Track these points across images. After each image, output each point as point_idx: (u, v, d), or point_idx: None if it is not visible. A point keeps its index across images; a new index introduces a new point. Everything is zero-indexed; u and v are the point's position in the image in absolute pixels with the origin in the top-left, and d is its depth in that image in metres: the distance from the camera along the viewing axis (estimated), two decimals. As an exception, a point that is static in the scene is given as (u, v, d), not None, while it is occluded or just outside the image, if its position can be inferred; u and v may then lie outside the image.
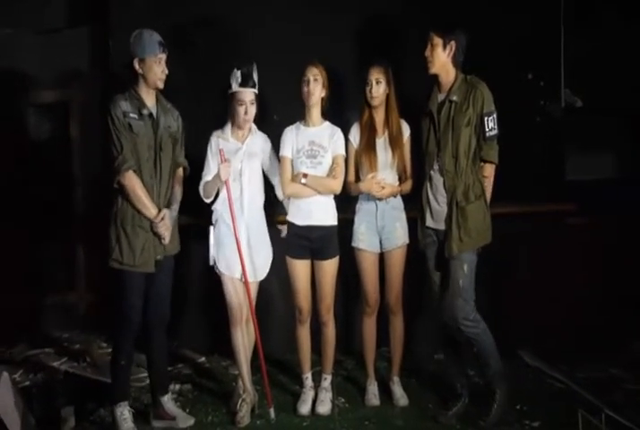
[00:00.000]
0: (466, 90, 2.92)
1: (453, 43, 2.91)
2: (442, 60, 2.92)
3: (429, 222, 3.01)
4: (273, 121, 3.58)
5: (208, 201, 3.14)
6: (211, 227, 3.12)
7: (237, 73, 3.02)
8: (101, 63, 3.88)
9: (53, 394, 3.29)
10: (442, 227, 2.96)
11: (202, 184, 3.11)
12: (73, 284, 4.06)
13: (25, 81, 4.09)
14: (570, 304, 3.74)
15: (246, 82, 3.02)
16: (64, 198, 4.01)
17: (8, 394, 2.98)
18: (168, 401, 3.07)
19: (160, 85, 2.91)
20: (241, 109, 3.03)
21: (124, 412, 2.93)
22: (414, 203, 3.19)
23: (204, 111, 3.64)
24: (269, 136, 3.23)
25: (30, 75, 4.08)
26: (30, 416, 3.07)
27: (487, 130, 2.91)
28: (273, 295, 3.67)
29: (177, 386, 3.45)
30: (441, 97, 2.97)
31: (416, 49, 3.17)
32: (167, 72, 2.90)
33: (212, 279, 3.21)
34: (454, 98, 2.91)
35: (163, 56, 2.89)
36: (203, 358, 3.83)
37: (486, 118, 2.90)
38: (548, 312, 3.71)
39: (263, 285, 3.28)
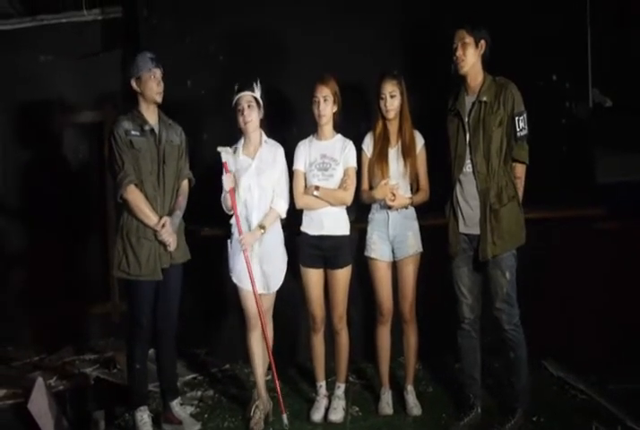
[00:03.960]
0: (496, 90, 2.89)
1: (483, 42, 2.88)
2: (473, 60, 2.89)
3: (462, 228, 2.98)
4: (293, 134, 3.66)
5: (230, 213, 3.23)
6: (228, 241, 3.22)
7: (235, 87, 3.16)
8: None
9: (85, 399, 3.47)
10: (476, 231, 2.93)
11: (222, 198, 3.22)
12: (108, 294, 4.25)
13: (64, 103, 4.34)
14: (602, 311, 3.59)
15: (241, 89, 3.14)
16: (99, 212, 4.22)
17: (42, 398, 3.17)
18: (176, 406, 3.18)
19: (158, 99, 3.03)
20: (239, 113, 3.13)
21: (143, 417, 3.06)
22: (435, 211, 3.18)
23: (228, 125, 3.76)
24: (289, 149, 3.29)
25: (68, 97, 4.33)
26: (64, 419, 3.24)
27: (518, 130, 2.88)
28: (295, 302, 3.72)
29: (199, 392, 3.57)
30: (470, 98, 2.94)
31: (433, 55, 3.17)
32: (162, 85, 3.02)
33: (238, 289, 3.30)
34: (485, 98, 2.88)
35: (157, 71, 3.02)
36: (227, 365, 3.93)
37: (517, 118, 2.87)
38: (578, 320, 3.59)
39: (285, 292, 3.33)
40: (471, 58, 2.88)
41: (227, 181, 3.12)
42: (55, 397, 3.29)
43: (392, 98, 3.14)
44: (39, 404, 3.13)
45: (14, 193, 4.43)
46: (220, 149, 3.21)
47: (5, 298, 4.34)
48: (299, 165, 3.23)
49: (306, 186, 3.21)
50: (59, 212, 4.28)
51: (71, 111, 4.36)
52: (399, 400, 3.28)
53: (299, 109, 3.66)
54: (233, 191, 3.14)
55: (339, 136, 3.24)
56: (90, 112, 4.35)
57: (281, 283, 3.23)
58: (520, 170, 2.99)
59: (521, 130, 2.88)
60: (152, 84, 3.00)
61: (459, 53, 2.88)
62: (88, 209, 4.29)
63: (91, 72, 4.28)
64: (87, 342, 4.19)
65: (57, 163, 4.36)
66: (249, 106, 3.12)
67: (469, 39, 2.87)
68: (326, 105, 3.13)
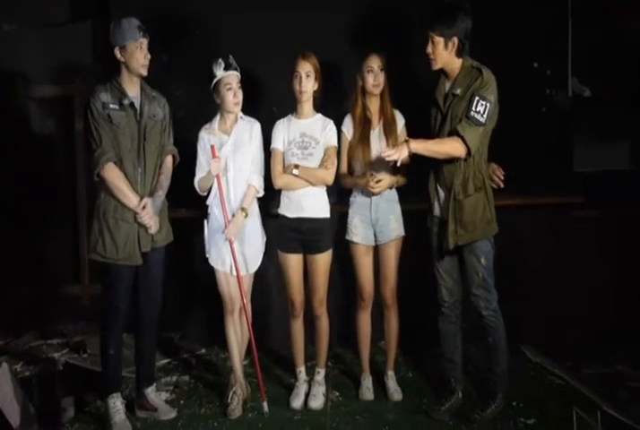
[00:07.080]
0: (470, 79, 2.82)
1: (455, 39, 2.80)
2: (445, 57, 2.83)
3: (437, 211, 2.97)
4: (273, 113, 3.56)
5: (203, 194, 3.16)
6: (205, 221, 3.14)
7: (220, 60, 3.03)
8: (104, 56, 3.90)
9: (53, 385, 3.34)
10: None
11: (196, 179, 3.13)
12: (78, 277, 4.10)
13: (29, 76, 4.12)
14: (578, 298, 3.63)
15: (229, 67, 3.03)
16: (69, 191, 4.04)
17: (7, 384, 3.03)
18: (151, 393, 3.09)
19: (144, 72, 2.87)
20: (229, 93, 3.02)
21: (116, 404, 2.95)
22: (417, 195, 3.14)
23: (201, 103, 3.61)
24: (268, 129, 3.20)
25: (34, 70, 4.10)
26: (30, 405, 3.11)
27: (473, 110, 2.75)
28: (273, 287, 3.66)
29: (174, 378, 3.48)
30: (448, 85, 2.90)
31: (417, 37, 3.11)
32: (149, 57, 2.87)
33: (214, 271, 3.21)
34: (458, 91, 2.83)
35: (144, 41, 2.86)
36: (203, 350, 3.85)
37: (477, 99, 2.75)
38: (555, 306, 3.62)
39: (262, 277, 3.27)
40: (441, 56, 2.83)
41: (214, 166, 3.01)
42: (20, 383, 3.15)
43: (381, 72, 3.09)
44: (4, 391, 3.00)
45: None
46: (204, 132, 3.11)
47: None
48: (278, 144, 3.14)
49: (284, 166, 3.13)
50: (25, 192, 4.09)
51: (37, 84, 4.14)
52: (380, 386, 3.25)
53: (277, 88, 3.56)
54: (220, 176, 3.04)
55: (319, 115, 3.17)
56: (57, 86, 4.13)
57: (259, 264, 3.17)
58: (456, 145, 2.75)
59: (477, 112, 2.75)
60: (139, 56, 2.83)
61: (429, 51, 2.84)
62: (56, 188, 4.10)
63: (59, 43, 4.06)
64: (55, 326, 4.02)
65: (22, 140, 4.14)
66: (239, 87, 3.04)
67: (438, 39, 2.81)
68: (308, 81, 3.06)
